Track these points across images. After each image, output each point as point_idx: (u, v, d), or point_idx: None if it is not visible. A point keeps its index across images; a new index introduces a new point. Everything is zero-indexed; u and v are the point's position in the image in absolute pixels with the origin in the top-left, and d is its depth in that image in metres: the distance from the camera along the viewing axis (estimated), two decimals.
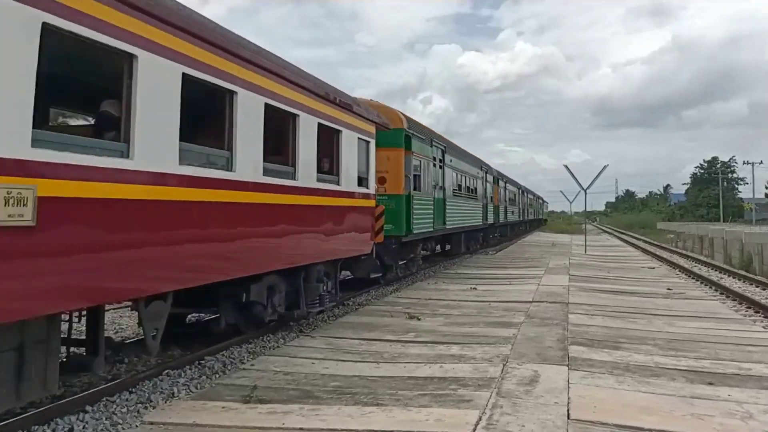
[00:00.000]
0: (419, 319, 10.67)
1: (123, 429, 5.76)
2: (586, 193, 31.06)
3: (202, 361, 8.18)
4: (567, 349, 8.36)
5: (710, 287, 18.43)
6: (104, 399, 6.51)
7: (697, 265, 27.21)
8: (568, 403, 5.99)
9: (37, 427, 5.72)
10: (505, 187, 39.52)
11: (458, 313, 11.47)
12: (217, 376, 7.57)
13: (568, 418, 5.58)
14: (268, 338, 9.80)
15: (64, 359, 6.31)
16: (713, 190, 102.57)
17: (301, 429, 5.43)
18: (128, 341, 9.13)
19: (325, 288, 10.72)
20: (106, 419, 5.98)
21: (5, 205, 4.25)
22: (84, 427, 5.81)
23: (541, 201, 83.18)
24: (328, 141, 10.38)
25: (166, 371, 7.57)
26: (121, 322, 11.08)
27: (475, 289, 14.89)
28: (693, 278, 21.01)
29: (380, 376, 7.10)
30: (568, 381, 6.77)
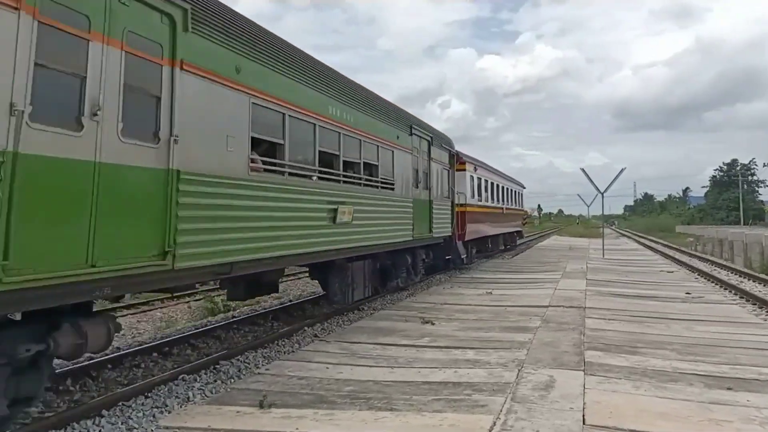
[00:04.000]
0: (434, 324, 10.64)
1: None
2: (603, 197, 30.85)
3: (218, 366, 8.21)
4: (583, 354, 8.30)
5: (730, 291, 18.19)
6: (120, 403, 6.57)
7: (716, 268, 26.87)
8: (584, 408, 5.94)
9: (53, 431, 5.77)
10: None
11: (473, 317, 11.42)
12: (232, 380, 7.60)
13: (584, 423, 5.53)
14: (283, 343, 9.82)
15: None
16: (733, 192, 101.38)
17: None
18: None
19: None
20: (122, 423, 6.03)
21: None
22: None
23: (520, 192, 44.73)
24: None
25: (182, 376, 7.61)
26: (139, 327, 11.16)
27: (490, 293, 14.82)
28: (712, 282, 20.75)
29: (394, 380, 7.08)
30: (584, 386, 6.71)
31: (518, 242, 39.05)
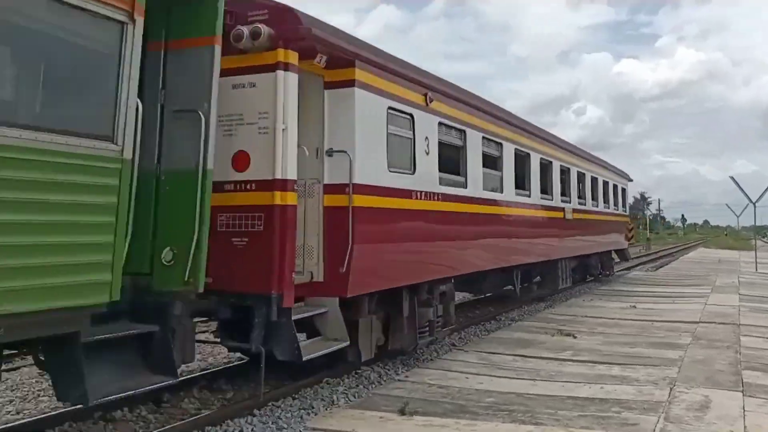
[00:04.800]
0: (575, 337, 10.32)
1: None
2: (755, 207, 28.73)
3: (359, 371, 8.39)
4: (740, 373, 7.75)
5: None
6: (270, 404, 6.85)
7: None
8: None
9: (210, 427, 6.10)
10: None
11: (617, 331, 10.97)
12: (374, 386, 7.73)
13: None
14: (421, 351, 9.88)
15: None
16: None
17: None
18: None
19: None
20: (272, 423, 6.27)
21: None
22: (252, 430, 6.13)
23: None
24: None
25: (326, 379, 7.84)
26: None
27: (634, 307, 14.17)
28: None
29: (537, 394, 6.93)
30: (744, 408, 6.27)
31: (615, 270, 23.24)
